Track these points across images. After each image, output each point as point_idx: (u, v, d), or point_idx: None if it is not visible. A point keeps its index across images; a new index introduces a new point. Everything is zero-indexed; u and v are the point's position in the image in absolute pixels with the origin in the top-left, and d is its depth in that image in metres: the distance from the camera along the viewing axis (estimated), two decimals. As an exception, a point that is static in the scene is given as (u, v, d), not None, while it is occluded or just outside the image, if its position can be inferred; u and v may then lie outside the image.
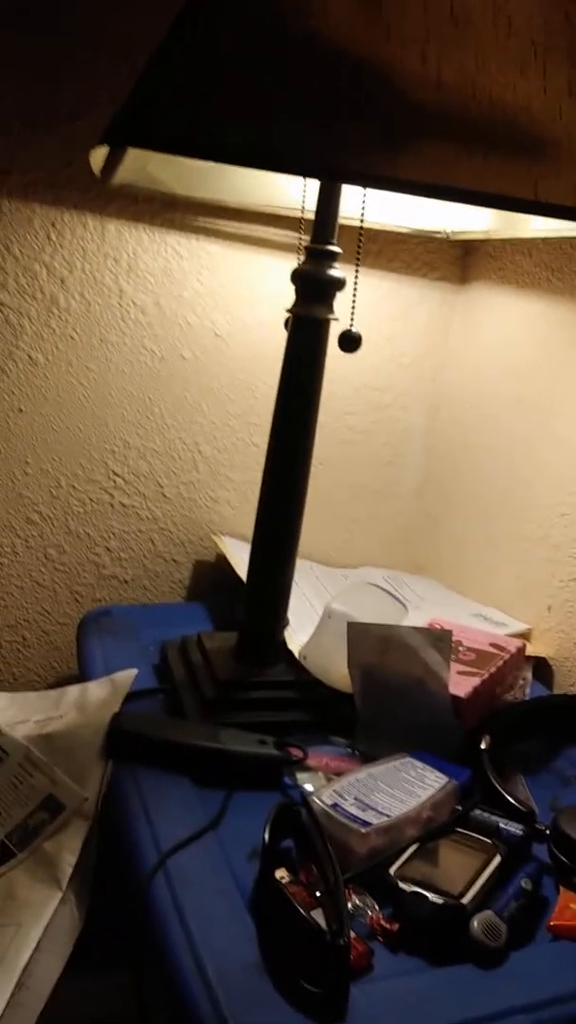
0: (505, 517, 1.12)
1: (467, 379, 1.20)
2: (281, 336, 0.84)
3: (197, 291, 1.09)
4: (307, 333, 0.82)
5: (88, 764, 0.79)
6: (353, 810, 0.68)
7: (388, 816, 0.68)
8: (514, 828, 0.69)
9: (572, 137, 0.66)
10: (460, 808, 0.72)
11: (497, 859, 0.66)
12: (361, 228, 0.82)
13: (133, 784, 0.76)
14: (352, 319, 0.80)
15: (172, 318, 1.09)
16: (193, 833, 0.69)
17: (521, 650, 0.93)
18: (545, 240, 1.05)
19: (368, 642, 0.83)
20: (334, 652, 0.85)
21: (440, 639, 0.82)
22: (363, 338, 0.80)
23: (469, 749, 0.79)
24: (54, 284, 1.03)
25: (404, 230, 1.05)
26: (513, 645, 0.92)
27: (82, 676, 0.95)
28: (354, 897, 0.63)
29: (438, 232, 1.05)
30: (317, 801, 0.68)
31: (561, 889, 0.67)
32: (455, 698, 0.81)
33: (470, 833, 0.69)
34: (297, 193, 0.90)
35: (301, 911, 0.58)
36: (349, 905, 0.61)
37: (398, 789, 0.72)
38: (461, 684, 0.83)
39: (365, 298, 1.13)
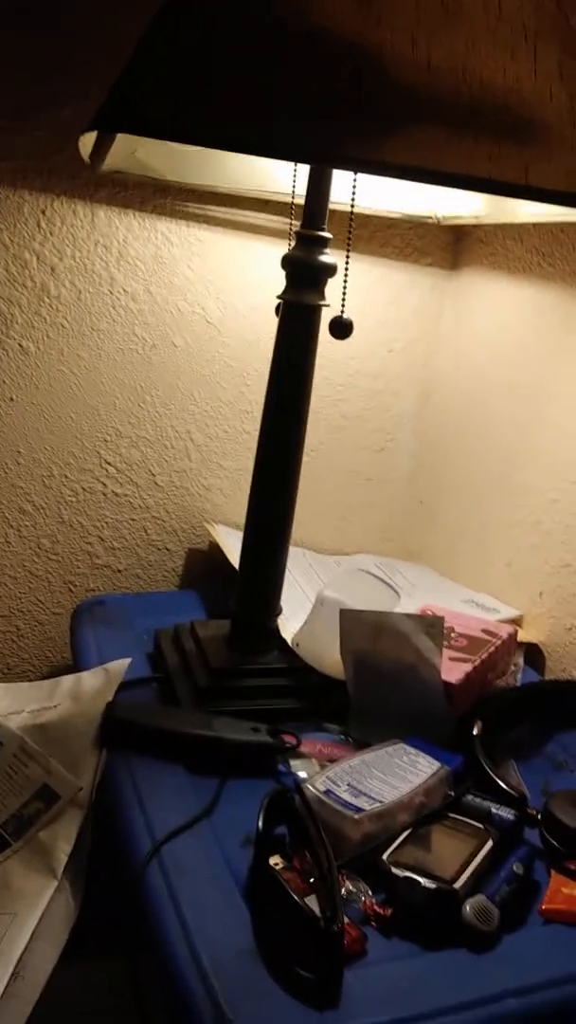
0: (497, 503, 1.12)
1: (459, 365, 1.20)
2: (273, 322, 0.83)
3: (188, 278, 1.08)
4: (298, 320, 0.82)
5: (82, 753, 0.79)
6: (346, 796, 0.68)
7: (381, 802, 0.68)
8: (506, 813, 0.69)
9: (563, 121, 0.66)
10: (452, 793, 0.72)
11: (489, 844, 0.66)
12: (352, 213, 0.81)
13: (127, 773, 0.76)
14: (343, 305, 0.79)
15: (163, 305, 1.08)
16: (187, 821, 0.69)
17: (513, 636, 0.94)
18: (536, 225, 1.05)
19: (360, 629, 0.83)
20: (327, 639, 0.85)
21: (432, 625, 0.82)
22: (354, 324, 0.80)
23: (461, 735, 0.80)
24: (44, 272, 1.03)
25: (395, 215, 1.05)
26: (505, 631, 0.93)
27: (76, 666, 0.95)
28: (347, 883, 0.63)
29: (429, 217, 1.04)
30: (310, 788, 0.69)
31: (552, 873, 0.67)
32: (447, 684, 0.82)
33: (462, 818, 0.69)
34: (287, 178, 0.89)
35: (295, 897, 0.58)
36: (342, 891, 0.62)
37: (391, 775, 0.72)
38: (453, 670, 0.83)
39: (356, 284, 1.12)
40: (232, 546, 1.06)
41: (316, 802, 0.68)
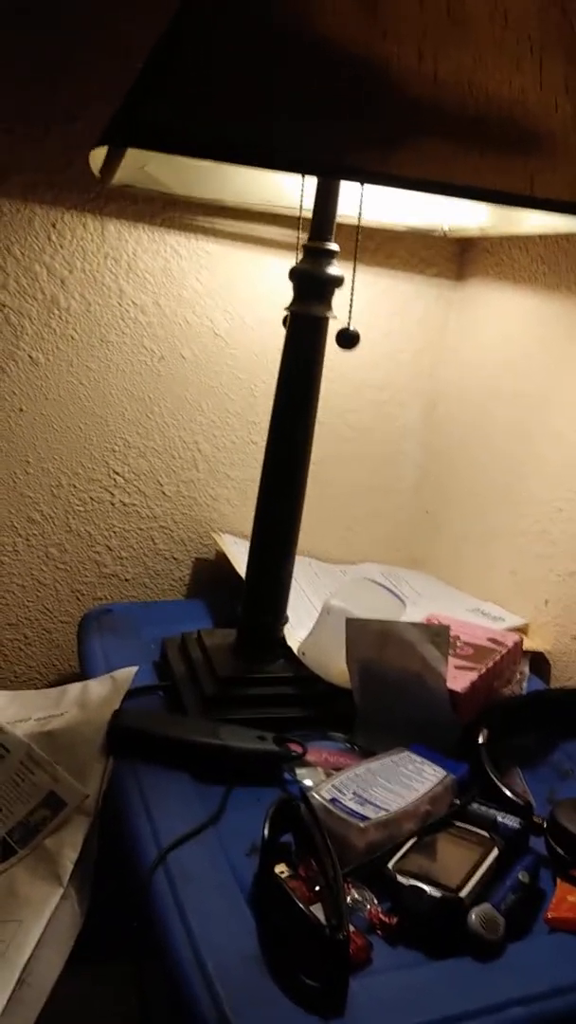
0: (502, 512, 1.12)
1: (464, 375, 1.20)
2: (280, 334, 0.84)
3: (196, 290, 1.09)
4: (305, 331, 0.83)
5: (89, 761, 0.79)
6: (352, 805, 0.68)
7: (386, 810, 0.68)
8: (511, 821, 0.69)
9: (568, 132, 0.66)
10: (458, 802, 0.72)
11: (495, 852, 0.66)
12: (359, 226, 0.82)
13: (134, 780, 0.76)
14: (350, 317, 0.80)
15: (172, 317, 1.09)
16: (193, 829, 0.70)
17: (518, 644, 0.94)
18: (542, 236, 1.05)
19: (366, 638, 0.83)
20: (333, 648, 0.85)
21: (438, 634, 0.82)
22: (361, 335, 0.80)
23: (467, 743, 0.80)
24: (54, 284, 1.04)
25: (401, 227, 1.05)
26: (510, 640, 0.93)
27: (83, 674, 0.95)
28: (353, 891, 0.63)
29: (435, 229, 1.05)
30: (316, 796, 0.69)
31: (558, 882, 0.67)
32: (453, 693, 0.82)
33: (468, 827, 0.69)
34: (295, 192, 0.90)
35: (300, 905, 0.58)
36: (348, 899, 0.62)
37: (396, 783, 0.72)
38: (459, 679, 0.83)
39: (363, 295, 1.13)
40: (239, 555, 1.07)
41: (322, 810, 0.68)
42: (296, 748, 0.79)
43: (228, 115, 0.63)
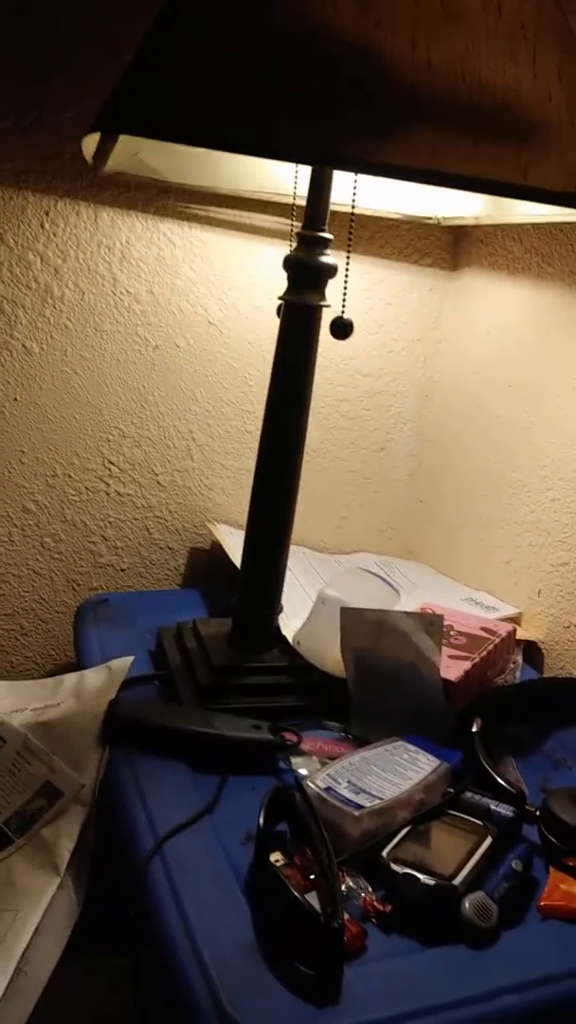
0: (496, 502, 1.12)
1: (458, 364, 1.20)
2: (274, 323, 0.84)
3: (190, 279, 1.09)
4: (299, 320, 0.82)
5: (85, 751, 0.80)
6: (346, 793, 0.69)
7: (381, 799, 0.68)
8: (505, 810, 0.70)
9: (561, 121, 0.66)
10: (452, 790, 0.72)
11: (488, 841, 0.66)
12: (352, 214, 0.82)
13: (130, 770, 0.76)
14: (344, 306, 0.80)
15: (165, 306, 1.09)
16: (189, 818, 0.70)
17: (512, 634, 0.94)
18: (535, 226, 1.05)
19: (361, 627, 0.83)
20: (327, 637, 0.85)
21: (432, 624, 0.82)
22: (355, 325, 0.80)
23: (460, 732, 0.80)
24: (48, 273, 1.03)
25: (395, 216, 1.05)
26: (504, 629, 0.93)
27: (79, 664, 0.96)
28: (347, 879, 0.63)
29: (429, 218, 1.05)
30: (311, 785, 0.69)
31: (551, 870, 0.67)
32: (446, 682, 0.82)
33: (461, 815, 0.70)
34: (289, 179, 0.90)
35: (295, 894, 0.58)
36: (343, 887, 0.62)
37: (391, 772, 0.72)
38: (452, 668, 0.84)
39: (356, 285, 1.13)
40: (234, 545, 1.07)
41: (316, 799, 0.68)
42: (291, 737, 0.79)
43: (221, 102, 0.62)
